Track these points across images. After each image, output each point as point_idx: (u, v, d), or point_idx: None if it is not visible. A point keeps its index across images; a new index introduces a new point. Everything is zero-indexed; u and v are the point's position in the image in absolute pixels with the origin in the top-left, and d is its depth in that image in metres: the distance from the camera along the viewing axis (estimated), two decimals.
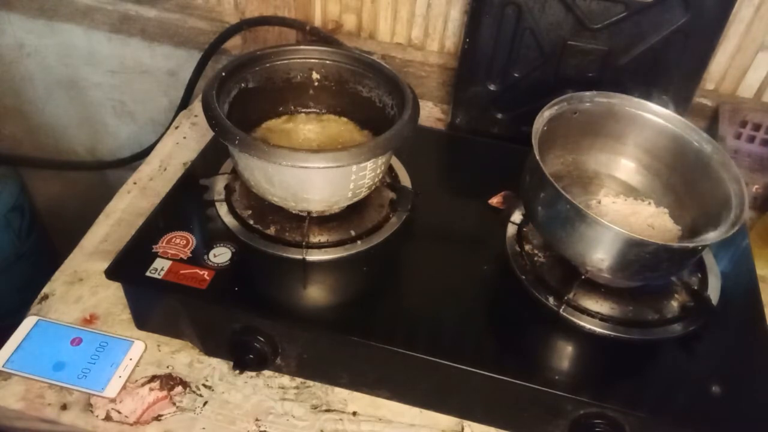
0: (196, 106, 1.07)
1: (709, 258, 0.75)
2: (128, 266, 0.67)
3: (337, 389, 0.69)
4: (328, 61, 0.79)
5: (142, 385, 0.67)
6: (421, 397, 0.67)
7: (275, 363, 0.68)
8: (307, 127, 0.81)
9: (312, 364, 0.68)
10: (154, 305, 0.70)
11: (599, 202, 0.76)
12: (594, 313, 0.67)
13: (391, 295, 0.70)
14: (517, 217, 0.77)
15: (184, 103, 1.13)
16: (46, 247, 1.41)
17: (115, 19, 1.19)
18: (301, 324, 0.65)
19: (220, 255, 0.69)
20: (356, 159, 0.64)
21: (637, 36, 0.86)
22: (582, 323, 0.66)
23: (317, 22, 1.15)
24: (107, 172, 1.43)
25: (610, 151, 0.79)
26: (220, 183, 0.76)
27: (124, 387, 0.66)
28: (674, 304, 0.70)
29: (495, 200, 0.80)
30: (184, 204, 0.75)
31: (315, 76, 0.80)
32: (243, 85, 0.75)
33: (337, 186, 0.68)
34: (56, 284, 0.76)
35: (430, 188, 0.82)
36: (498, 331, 0.67)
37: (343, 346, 0.65)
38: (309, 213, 0.71)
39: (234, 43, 1.11)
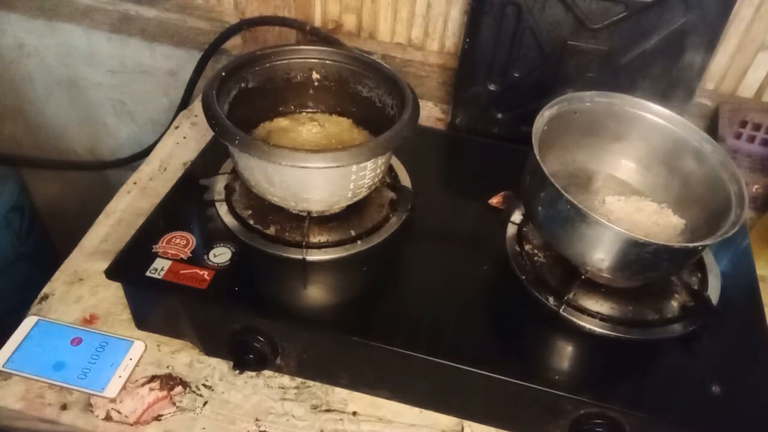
0: (196, 106, 1.07)
1: (709, 258, 0.75)
2: (128, 266, 0.67)
3: (337, 389, 0.69)
4: (328, 61, 0.79)
5: (142, 385, 0.67)
6: (421, 397, 0.67)
7: (275, 363, 0.68)
8: (307, 127, 0.81)
9: (312, 364, 0.68)
10: (154, 305, 0.70)
11: (603, 201, 0.76)
12: (594, 313, 0.67)
13: (391, 295, 0.70)
14: (517, 217, 0.77)
15: (184, 103, 1.13)
16: (46, 247, 1.41)
17: (115, 19, 1.19)
18: (301, 324, 0.65)
19: (220, 255, 0.69)
20: (356, 159, 0.64)
21: (637, 36, 0.85)
22: (582, 323, 0.66)
23: (317, 22, 1.15)
24: (107, 172, 1.43)
25: (610, 151, 0.79)
26: (220, 183, 0.76)
27: (124, 387, 0.66)
28: (674, 304, 0.70)
29: (495, 200, 0.80)
30: (184, 204, 0.75)
31: (315, 76, 0.80)
32: (243, 85, 0.75)
33: (337, 186, 0.68)
34: (56, 284, 0.76)
35: (430, 188, 0.82)
36: (498, 331, 0.67)
37: (343, 346, 0.65)
38: (309, 213, 0.71)
39: (234, 43, 1.11)
